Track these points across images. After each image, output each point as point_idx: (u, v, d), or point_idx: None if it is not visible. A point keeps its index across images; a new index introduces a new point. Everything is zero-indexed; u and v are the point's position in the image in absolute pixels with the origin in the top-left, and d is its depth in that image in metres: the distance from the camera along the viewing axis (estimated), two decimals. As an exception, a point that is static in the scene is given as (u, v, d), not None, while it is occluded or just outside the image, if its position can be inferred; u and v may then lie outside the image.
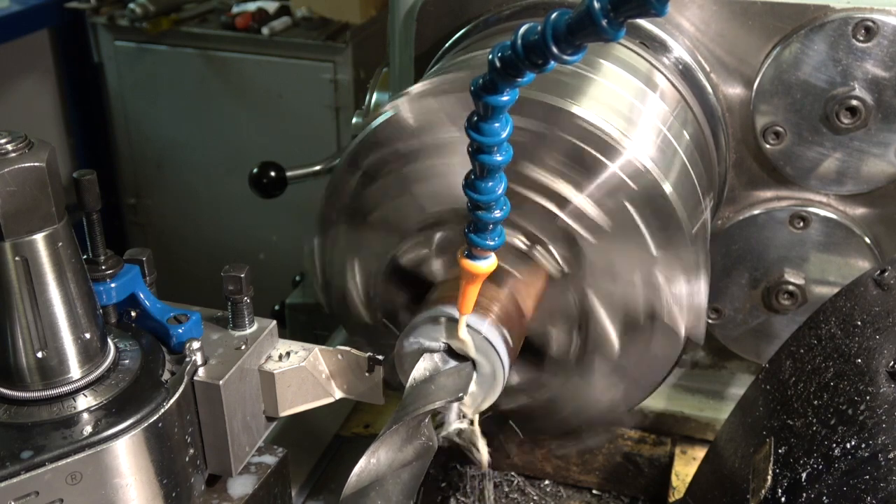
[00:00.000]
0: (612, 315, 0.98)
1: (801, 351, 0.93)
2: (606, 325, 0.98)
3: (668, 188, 0.94)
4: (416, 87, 1.01)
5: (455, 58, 1.17)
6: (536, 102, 0.93)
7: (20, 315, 0.72)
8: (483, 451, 0.97)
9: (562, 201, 0.94)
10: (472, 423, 0.95)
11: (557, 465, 1.33)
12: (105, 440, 0.71)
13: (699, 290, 0.96)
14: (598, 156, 0.93)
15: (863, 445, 0.75)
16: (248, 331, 0.85)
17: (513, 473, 1.34)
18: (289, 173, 1.82)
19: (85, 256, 0.80)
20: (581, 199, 0.93)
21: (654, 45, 1.16)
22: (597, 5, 0.56)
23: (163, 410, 0.75)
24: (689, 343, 1.00)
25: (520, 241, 0.96)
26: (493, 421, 1.08)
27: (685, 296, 0.96)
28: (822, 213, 1.22)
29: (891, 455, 0.73)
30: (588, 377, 1.03)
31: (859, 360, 0.84)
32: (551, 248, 0.96)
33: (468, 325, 0.89)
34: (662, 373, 1.02)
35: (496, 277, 0.92)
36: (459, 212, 0.98)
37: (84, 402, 0.74)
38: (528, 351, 1.01)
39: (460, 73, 1.03)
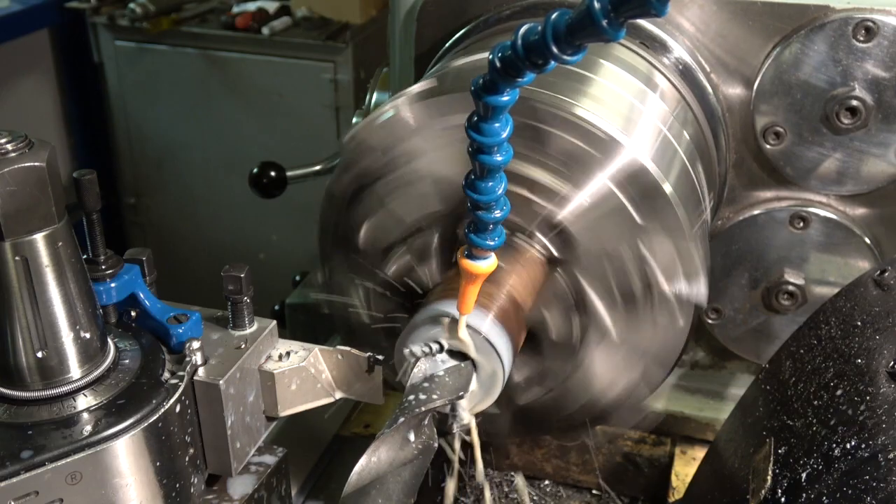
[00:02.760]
0: (605, 292, 0.97)
1: (801, 351, 0.93)
2: (599, 304, 0.98)
3: (668, 188, 0.94)
4: (386, 104, 1.03)
5: (455, 58, 1.17)
6: (536, 102, 0.93)
7: (20, 315, 0.72)
8: (478, 460, 0.97)
9: (538, 186, 0.94)
10: (468, 426, 0.95)
11: (557, 465, 1.33)
12: (105, 440, 0.71)
13: (688, 248, 0.96)
14: (597, 154, 0.93)
15: (863, 445, 0.75)
16: (248, 331, 0.85)
17: (513, 473, 1.34)
18: (289, 173, 1.81)
19: (85, 256, 0.80)
20: (558, 182, 0.93)
21: (655, 46, 1.16)
22: (597, 5, 0.56)
23: (163, 410, 0.75)
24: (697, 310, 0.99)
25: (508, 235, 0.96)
26: (510, 422, 1.08)
27: (676, 257, 0.95)
28: (822, 213, 1.22)
29: (891, 455, 0.73)
30: (596, 359, 1.02)
31: (859, 361, 0.84)
32: (534, 234, 0.96)
33: (468, 325, 0.89)
34: (676, 345, 1.01)
35: (493, 273, 0.92)
36: (434, 215, 0.99)
37: (84, 401, 0.74)
38: (532, 342, 1.01)
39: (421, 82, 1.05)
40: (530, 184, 0.94)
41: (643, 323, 0.99)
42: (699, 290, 0.97)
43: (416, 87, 1.01)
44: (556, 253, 0.97)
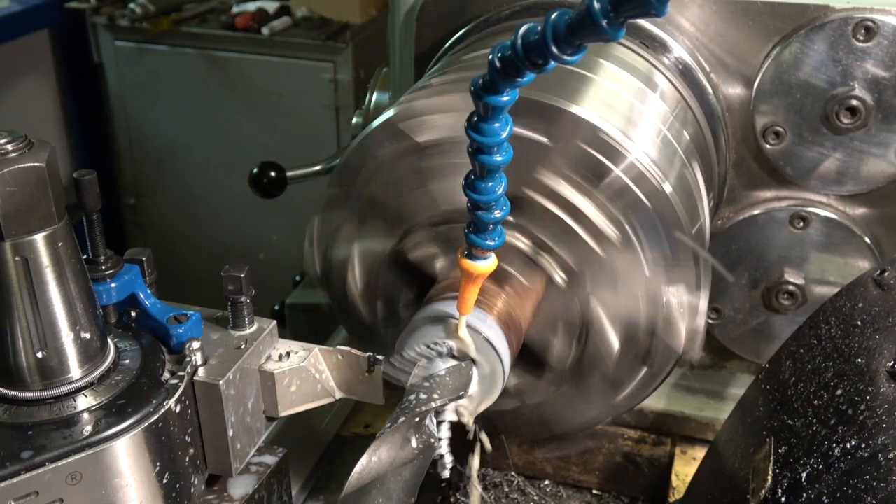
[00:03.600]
0: (614, 327, 0.98)
1: (801, 351, 0.93)
2: (609, 338, 0.98)
3: (668, 188, 0.94)
4: (437, 81, 1.01)
5: (455, 58, 1.16)
6: (537, 103, 0.93)
7: (20, 315, 0.72)
8: (475, 461, 0.97)
9: (571, 208, 0.94)
10: (467, 426, 0.95)
11: (557, 465, 1.33)
12: (105, 440, 0.71)
13: (698, 306, 0.96)
14: (602, 159, 0.93)
15: (863, 445, 0.75)
16: (248, 331, 0.85)
17: (513, 473, 1.33)
18: (289, 173, 1.81)
19: (85, 256, 0.80)
20: (588, 206, 0.93)
21: (655, 45, 1.16)
22: (597, 5, 0.56)
23: (163, 410, 0.75)
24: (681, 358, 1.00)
25: (525, 246, 0.96)
26: (479, 423, 1.09)
27: (685, 313, 0.96)
28: (822, 213, 1.22)
29: (891, 455, 0.73)
30: (581, 387, 1.03)
31: (859, 360, 0.84)
32: (559, 254, 0.96)
33: (468, 325, 0.89)
34: (652, 386, 1.03)
35: (498, 278, 0.92)
36: (465, 211, 0.98)
37: (84, 402, 0.74)
38: (525, 357, 1.01)
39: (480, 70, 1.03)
40: (574, 212, 0.94)
41: (633, 362, 1.00)
42: (698, 311, 0.98)
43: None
44: (575, 279, 0.97)
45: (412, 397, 0.85)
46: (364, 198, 1.03)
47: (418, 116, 0.97)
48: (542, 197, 0.94)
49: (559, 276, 0.97)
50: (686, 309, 0.96)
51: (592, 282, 0.96)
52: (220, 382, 0.79)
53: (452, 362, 0.90)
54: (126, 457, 0.72)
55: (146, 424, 0.73)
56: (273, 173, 1.80)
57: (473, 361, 0.91)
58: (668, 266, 0.94)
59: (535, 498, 1.31)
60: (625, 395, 1.04)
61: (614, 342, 0.99)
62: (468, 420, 0.93)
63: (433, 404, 0.85)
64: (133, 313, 0.86)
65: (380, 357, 0.86)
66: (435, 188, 0.98)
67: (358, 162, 1.02)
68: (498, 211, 0.78)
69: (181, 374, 0.78)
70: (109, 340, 0.79)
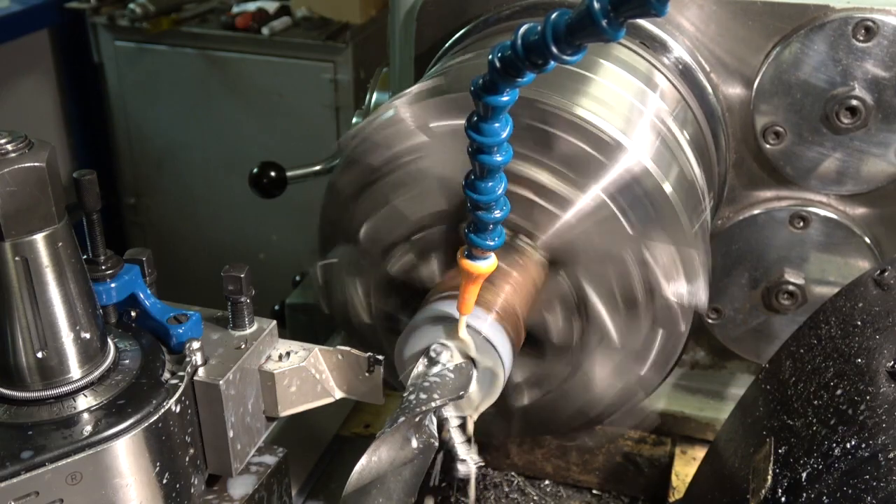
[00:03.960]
0: (607, 297, 0.98)
1: (801, 351, 0.93)
2: (601, 308, 0.98)
3: (668, 188, 0.94)
4: (388, 102, 1.03)
5: (455, 58, 1.17)
6: (536, 103, 0.93)
7: (20, 315, 0.72)
8: (470, 458, 0.97)
9: (542, 188, 0.94)
10: (465, 425, 0.95)
11: (557, 465, 1.33)
12: (105, 440, 0.71)
13: (692, 255, 0.96)
14: (601, 159, 0.93)
15: (863, 445, 0.75)
16: (248, 331, 0.85)
17: (513, 473, 1.33)
18: (289, 173, 1.81)
19: (85, 256, 0.80)
20: (560, 185, 0.93)
21: (654, 45, 1.16)
22: (597, 5, 0.56)
23: (163, 410, 0.75)
24: (696, 315, 0.99)
25: (509, 236, 0.96)
26: (510, 422, 1.08)
27: (679, 265, 0.95)
28: (822, 213, 1.22)
29: (891, 455, 0.73)
30: (596, 362, 1.02)
31: (859, 360, 0.84)
32: (536, 235, 0.96)
33: (468, 325, 0.89)
34: (676, 349, 1.01)
35: (493, 274, 0.92)
36: (438, 214, 0.99)
37: (84, 402, 0.74)
38: (532, 344, 1.01)
39: (421, 83, 1.04)
40: (533, 186, 0.94)
41: (643, 327, 0.99)
42: (700, 293, 0.97)
43: (419, 86, 1.02)
44: (557, 255, 0.97)
45: (412, 397, 0.86)
46: (348, 231, 1.04)
47: (365, 143, 0.99)
48: (527, 190, 0.94)
49: (541, 255, 0.97)
50: (680, 262, 0.95)
51: (577, 256, 0.96)
52: (220, 382, 0.79)
53: (452, 362, 0.91)
54: (126, 457, 0.73)
55: (146, 424, 0.73)
56: (273, 173, 1.80)
57: (473, 361, 0.91)
58: (654, 227, 0.94)
59: (535, 498, 1.31)
60: (650, 363, 1.02)
61: (610, 311, 0.98)
62: (469, 421, 0.93)
63: (433, 404, 0.85)
64: (133, 313, 0.86)
65: (380, 357, 0.86)
66: (398, 201, 1.00)
67: (334, 201, 1.05)
68: (498, 211, 0.78)
69: (181, 374, 0.78)
70: (109, 340, 0.79)
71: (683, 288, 0.96)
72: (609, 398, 1.06)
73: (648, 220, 0.94)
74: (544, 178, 0.94)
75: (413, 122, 0.97)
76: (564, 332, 1.01)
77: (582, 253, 0.96)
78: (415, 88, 1.01)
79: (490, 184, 0.76)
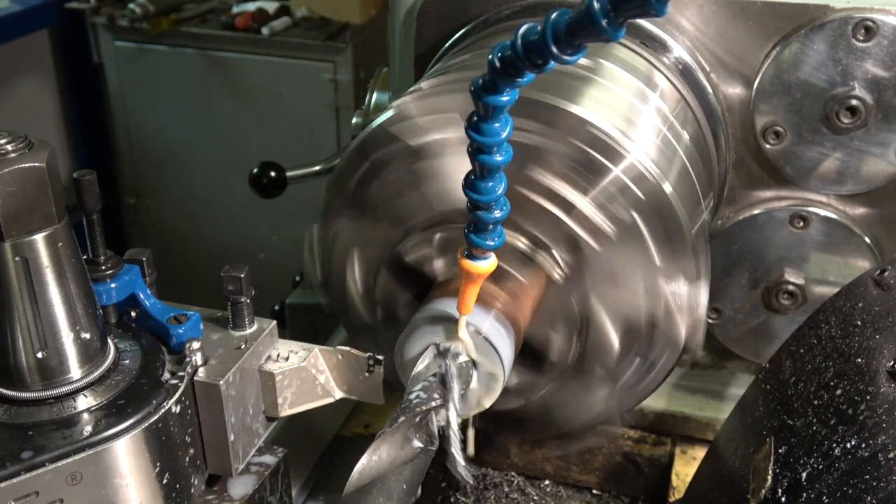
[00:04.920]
0: (613, 321, 0.98)
1: (801, 351, 0.93)
2: (608, 332, 0.98)
3: (668, 188, 0.94)
4: (428, 84, 1.01)
5: (455, 58, 1.17)
6: (536, 103, 0.93)
7: (20, 315, 0.72)
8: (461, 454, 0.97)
9: (567, 206, 0.94)
10: (465, 423, 0.95)
11: (557, 465, 1.33)
12: (105, 440, 0.71)
13: (699, 298, 0.96)
14: (600, 158, 0.93)
15: (863, 445, 0.75)
16: (248, 331, 0.85)
17: (513, 473, 1.34)
18: (289, 173, 1.81)
19: (85, 256, 0.80)
20: (585, 204, 0.93)
21: (654, 45, 1.16)
22: (597, 5, 0.56)
23: (163, 410, 0.75)
24: (686, 350, 1.00)
25: (523, 244, 0.96)
26: (485, 423, 1.08)
27: (685, 304, 0.96)
28: (822, 213, 1.22)
29: (891, 455, 0.73)
30: (584, 383, 1.03)
31: (859, 360, 0.84)
32: (555, 252, 0.96)
33: (468, 325, 0.89)
34: (658, 380, 1.03)
35: (498, 277, 0.92)
36: (462, 212, 0.98)
37: (84, 402, 0.74)
38: (527, 354, 1.01)
39: (472, 71, 1.03)
40: (567, 206, 0.94)
41: (635, 356, 1.00)
42: (699, 334, 0.98)
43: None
44: (575, 275, 0.97)
45: (412, 397, 0.86)
46: (360, 201, 1.03)
47: (411, 119, 0.97)
48: (539, 196, 0.94)
49: (557, 274, 0.97)
50: (686, 301, 0.96)
51: (590, 277, 0.96)
52: (220, 382, 0.79)
53: (452, 362, 0.91)
54: (126, 457, 0.72)
55: (146, 425, 0.73)
56: (273, 173, 1.80)
57: (473, 361, 0.91)
58: (667, 259, 0.94)
59: (535, 498, 1.31)
60: (630, 389, 1.03)
61: (614, 336, 0.99)
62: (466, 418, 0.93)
63: (433, 404, 0.85)
64: (133, 313, 0.86)
65: (380, 357, 0.86)
66: (430, 190, 0.98)
67: (353, 167, 1.02)
68: (498, 211, 0.78)
69: (181, 374, 0.78)
70: (109, 340, 0.79)
71: (683, 328, 0.97)
72: (582, 419, 1.07)
73: (665, 244, 0.94)
74: (572, 195, 0.94)
75: (460, 112, 0.95)
76: (563, 351, 1.01)
77: (599, 278, 0.96)
78: (463, 75, 0.99)
79: (490, 184, 0.76)
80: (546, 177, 0.94)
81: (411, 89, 1.05)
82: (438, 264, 1.00)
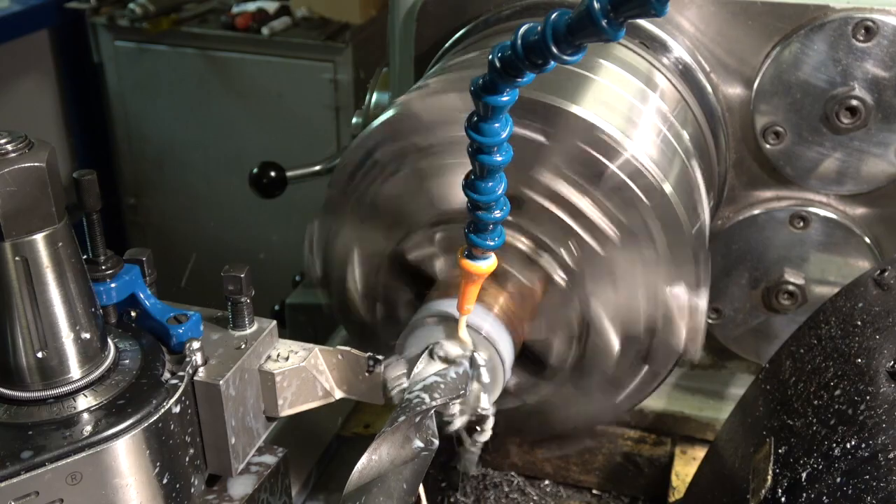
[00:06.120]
0: (614, 325, 0.98)
1: (801, 351, 0.93)
2: (608, 337, 0.98)
3: (668, 189, 0.94)
4: (432, 81, 1.01)
5: (455, 58, 1.17)
6: (537, 103, 0.93)
7: (20, 315, 0.72)
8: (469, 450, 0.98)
9: (568, 207, 0.94)
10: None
11: (557, 465, 1.33)
12: (105, 440, 0.71)
13: (699, 305, 0.96)
14: (601, 158, 0.93)
15: (863, 445, 0.75)
16: (248, 331, 0.85)
17: (513, 473, 1.34)
18: (289, 173, 1.81)
19: (85, 256, 0.80)
20: (586, 205, 0.93)
21: (654, 45, 1.16)
22: (597, 5, 0.56)
23: (163, 410, 0.75)
24: (685, 354, 1.00)
25: (526, 246, 0.96)
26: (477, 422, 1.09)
27: (685, 307, 0.96)
28: (822, 213, 1.22)
29: (891, 455, 0.73)
30: (581, 386, 1.03)
31: (859, 360, 0.84)
32: (559, 254, 0.96)
33: (468, 325, 0.89)
34: (653, 385, 1.03)
35: (499, 278, 0.92)
36: (464, 210, 0.98)
37: (84, 402, 0.74)
38: (526, 356, 1.01)
39: (475, 70, 1.03)
40: (574, 212, 0.94)
41: (631, 361, 1.00)
42: (699, 307, 0.98)
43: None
44: (577, 279, 0.97)
45: (412, 396, 0.86)
46: (362, 199, 1.03)
47: (415, 117, 0.97)
48: (541, 197, 0.94)
49: (559, 276, 0.97)
50: (686, 307, 0.96)
51: (592, 281, 0.96)
52: (220, 382, 0.79)
53: (452, 362, 0.91)
54: (126, 457, 0.72)
55: (146, 424, 0.73)
56: (273, 173, 1.80)
57: (473, 361, 0.91)
58: (668, 264, 0.95)
59: (535, 498, 1.31)
60: (626, 393, 1.04)
61: (614, 341, 0.99)
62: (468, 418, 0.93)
63: (433, 403, 0.85)
64: (133, 313, 0.86)
65: (380, 357, 0.86)
66: (432, 189, 0.98)
67: (356, 164, 1.02)
68: (498, 211, 0.78)
69: (181, 374, 0.78)
70: (109, 340, 0.79)
71: (682, 335, 0.97)
72: (578, 420, 1.08)
73: (666, 248, 0.94)
74: (586, 206, 0.94)
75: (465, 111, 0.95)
76: (562, 355, 1.01)
77: (600, 281, 0.96)
78: (467, 74, 1.00)
79: (490, 184, 0.76)
80: (547, 177, 0.94)
81: (415, 86, 1.05)
82: (440, 263, 1.00)
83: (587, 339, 0.99)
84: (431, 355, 0.91)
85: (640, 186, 0.93)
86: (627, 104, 1.05)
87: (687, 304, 0.96)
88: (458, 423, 0.93)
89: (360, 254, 1.05)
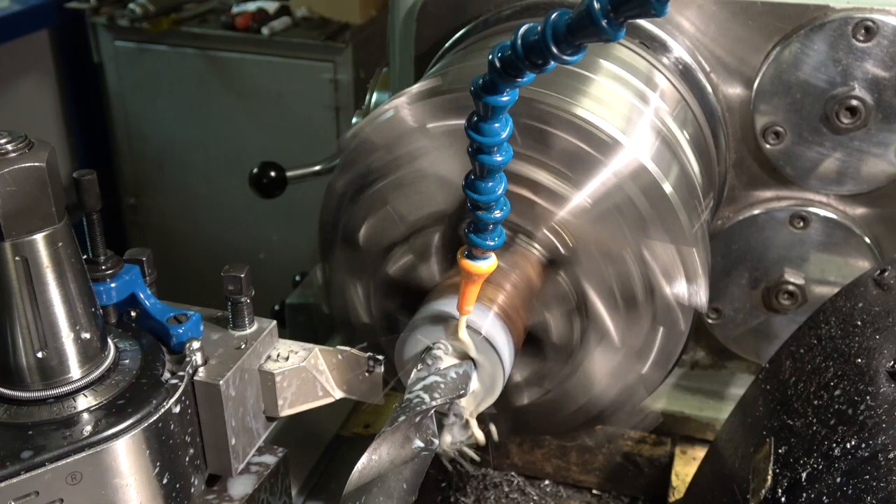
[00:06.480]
0: (606, 295, 0.98)
1: (801, 351, 0.93)
2: (601, 307, 0.98)
3: (667, 188, 0.94)
4: (386, 103, 1.03)
5: (455, 58, 1.17)
6: (537, 102, 0.93)
7: (20, 315, 0.72)
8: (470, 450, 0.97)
9: (540, 187, 0.94)
10: (467, 422, 0.95)
11: (557, 465, 1.33)
12: (105, 440, 0.71)
13: (694, 258, 0.96)
14: (601, 157, 0.93)
15: (863, 445, 0.75)
16: (248, 331, 0.85)
17: (513, 473, 1.34)
18: (289, 173, 1.82)
19: (85, 256, 0.80)
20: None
21: (654, 45, 1.16)
22: (597, 5, 0.56)
23: (163, 410, 0.75)
24: (697, 316, 0.99)
25: (509, 236, 0.96)
26: (509, 421, 1.08)
27: (680, 266, 0.95)
28: (822, 213, 1.22)
29: (891, 455, 0.73)
30: (596, 361, 1.02)
31: (859, 360, 0.84)
32: (536, 235, 0.96)
33: (468, 325, 0.89)
34: (676, 347, 1.01)
35: (493, 274, 0.92)
36: (436, 214, 0.99)
37: (84, 402, 0.74)
38: (532, 343, 1.01)
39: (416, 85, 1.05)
40: (532, 185, 0.94)
41: (644, 326, 0.99)
42: (700, 293, 0.97)
43: (418, 87, 1.02)
44: (557, 254, 0.97)
45: (412, 396, 0.86)
46: (345, 235, 1.05)
47: (368, 142, 1.00)
48: (526, 189, 0.95)
49: (540, 255, 0.97)
50: (680, 261, 0.95)
51: (577, 255, 0.96)
52: (220, 382, 0.79)
53: (452, 362, 0.91)
54: (126, 457, 0.72)
55: (146, 424, 0.73)
56: (273, 173, 1.80)
57: (473, 361, 0.91)
58: (651, 224, 0.94)
59: (535, 498, 1.31)
60: (651, 361, 1.02)
61: (610, 310, 0.98)
62: (471, 420, 0.93)
63: (433, 403, 0.85)
64: (133, 313, 0.86)
65: (380, 357, 0.86)
66: (396, 203, 1.00)
67: (334, 206, 1.05)
68: (498, 211, 0.78)
69: (181, 374, 0.78)
70: (109, 340, 0.79)
71: (683, 287, 0.97)
72: (609, 397, 1.06)
73: (648, 219, 0.94)
74: (543, 177, 0.94)
75: (412, 122, 0.97)
76: (564, 332, 1.01)
77: (581, 252, 0.96)
78: (414, 88, 1.01)
79: (490, 184, 0.76)
80: (544, 175, 0.94)
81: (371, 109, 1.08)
82: (424, 271, 1.01)
83: (586, 312, 0.99)
84: (431, 355, 0.91)
85: (640, 186, 0.93)
86: (627, 104, 1.05)
87: (678, 257, 0.95)
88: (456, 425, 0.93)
89: (360, 283, 1.07)
